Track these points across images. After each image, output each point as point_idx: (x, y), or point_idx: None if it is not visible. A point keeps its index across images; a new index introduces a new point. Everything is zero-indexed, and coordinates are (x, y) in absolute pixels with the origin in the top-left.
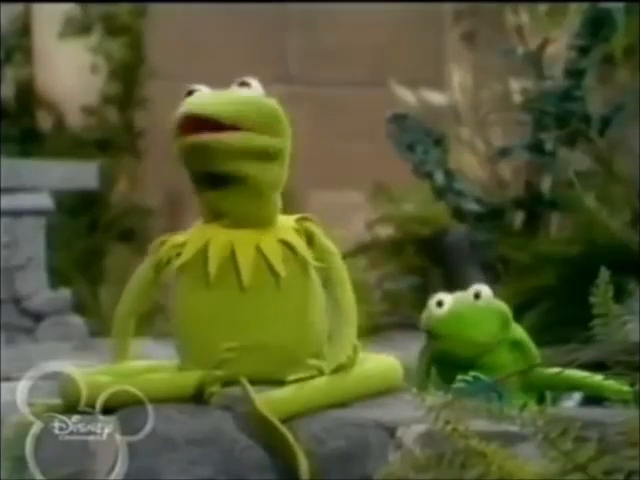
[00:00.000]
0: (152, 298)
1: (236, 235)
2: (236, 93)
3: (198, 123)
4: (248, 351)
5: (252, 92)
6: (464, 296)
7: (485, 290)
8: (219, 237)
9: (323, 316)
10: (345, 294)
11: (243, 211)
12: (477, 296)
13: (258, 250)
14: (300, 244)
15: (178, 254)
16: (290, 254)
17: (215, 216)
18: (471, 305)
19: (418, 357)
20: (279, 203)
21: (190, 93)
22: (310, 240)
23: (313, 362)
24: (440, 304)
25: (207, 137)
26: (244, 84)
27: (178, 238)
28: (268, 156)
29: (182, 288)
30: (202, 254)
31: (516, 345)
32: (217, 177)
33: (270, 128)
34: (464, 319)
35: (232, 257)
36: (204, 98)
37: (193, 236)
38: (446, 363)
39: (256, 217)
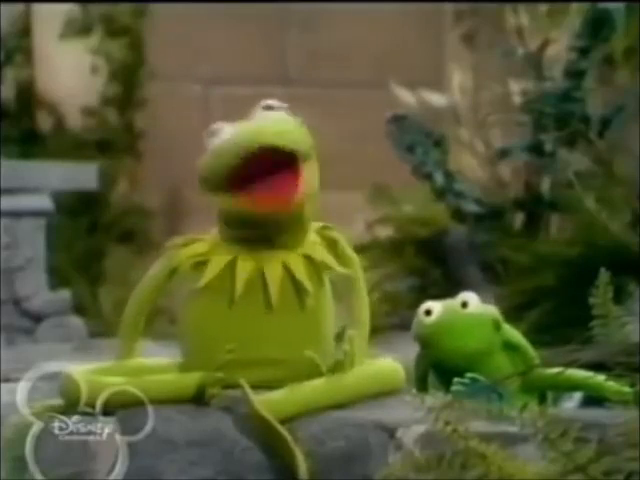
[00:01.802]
0: (159, 300)
1: (263, 253)
2: (287, 118)
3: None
4: (262, 365)
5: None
6: (452, 304)
7: (472, 298)
8: (246, 255)
9: (333, 326)
10: (362, 307)
11: (282, 241)
12: (464, 305)
13: (285, 267)
14: (328, 259)
15: (197, 263)
16: (313, 270)
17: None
18: (459, 314)
19: (414, 363)
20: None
21: (268, 107)
22: (333, 247)
23: (309, 353)
24: (428, 313)
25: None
26: (270, 107)
27: (197, 247)
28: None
29: (201, 302)
30: (228, 271)
31: (510, 347)
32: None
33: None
34: (452, 329)
35: (258, 274)
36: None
37: (217, 251)
38: (443, 369)
39: (292, 242)
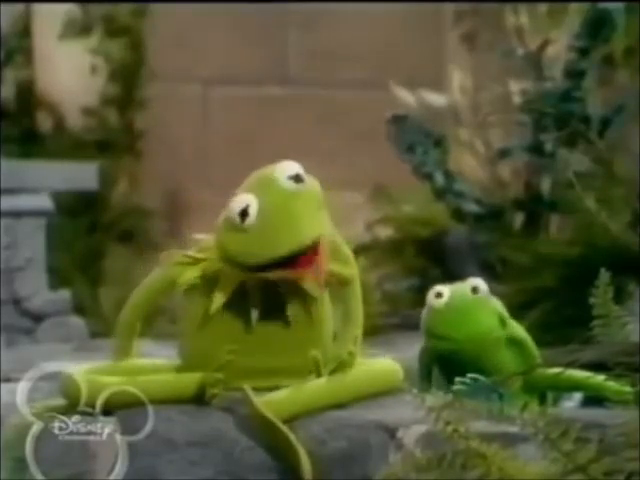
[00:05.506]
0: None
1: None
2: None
3: None
4: (267, 372)
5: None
6: (462, 288)
7: (482, 285)
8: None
9: (331, 328)
10: (357, 309)
11: None
12: (475, 290)
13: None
14: (334, 266)
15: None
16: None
17: None
18: (470, 297)
19: (418, 359)
20: None
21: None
22: (332, 249)
23: (314, 352)
24: (439, 295)
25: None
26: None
27: (200, 268)
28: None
29: (215, 322)
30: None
31: (516, 343)
32: None
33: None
34: (464, 312)
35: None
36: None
37: (224, 273)
38: (448, 362)
39: None
